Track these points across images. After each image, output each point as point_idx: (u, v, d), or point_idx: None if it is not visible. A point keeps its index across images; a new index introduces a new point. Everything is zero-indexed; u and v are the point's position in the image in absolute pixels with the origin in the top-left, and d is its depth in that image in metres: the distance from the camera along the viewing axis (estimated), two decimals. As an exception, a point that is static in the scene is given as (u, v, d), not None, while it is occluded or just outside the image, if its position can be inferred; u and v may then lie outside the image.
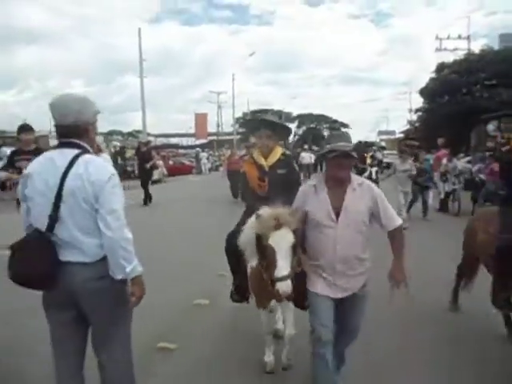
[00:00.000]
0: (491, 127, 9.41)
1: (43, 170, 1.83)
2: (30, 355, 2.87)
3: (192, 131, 50.57)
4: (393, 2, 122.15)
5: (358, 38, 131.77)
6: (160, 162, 17.74)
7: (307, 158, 17.05)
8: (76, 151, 1.83)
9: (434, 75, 24.27)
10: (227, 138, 45.13)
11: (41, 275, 1.78)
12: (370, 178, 8.29)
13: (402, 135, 42.96)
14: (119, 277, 1.79)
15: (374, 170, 8.89)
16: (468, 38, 25.65)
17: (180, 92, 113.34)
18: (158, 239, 6.63)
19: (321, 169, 22.41)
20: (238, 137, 39.59)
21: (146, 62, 24.14)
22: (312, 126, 68.36)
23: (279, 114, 59.27)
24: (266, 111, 60.97)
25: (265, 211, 2.24)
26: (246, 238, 2.45)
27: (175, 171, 23.57)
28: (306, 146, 18.23)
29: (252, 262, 2.54)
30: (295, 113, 66.46)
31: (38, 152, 4.24)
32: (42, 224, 1.79)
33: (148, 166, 11.43)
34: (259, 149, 3.01)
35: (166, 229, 7.67)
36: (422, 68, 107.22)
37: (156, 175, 17.99)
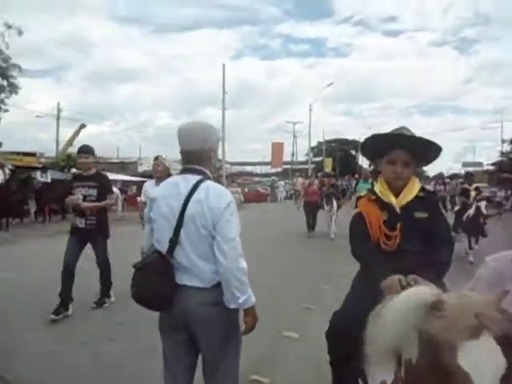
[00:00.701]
0: None
1: (168, 194, 1.89)
2: None
3: (266, 159, 51.87)
4: (478, 28, 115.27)
5: (440, 66, 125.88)
6: (238, 189, 18.34)
7: None
8: (198, 177, 1.86)
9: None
10: (301, 166, 45.42)
11: (159, 297, 1.83)
12: (477, 214, 7.36)
13: (491, 167, 39.58)
14: (232, 306, 1.79)
15: (482, 204, 7.50)
16: None
17: (256, 122, 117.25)
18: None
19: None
20: (313, 166, 39.55)
21: (227, 94, 25.52)
22: (389, 155, 65.95)
23: (354, 143, 58.52)
24: (340, 141, 60.63)
25: (437, 292, 1.16)
26: (388, 333, 1.20)
27: (250, 198, 24.16)
28: None
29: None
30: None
31: (98, 177, 4.38)
32: (162, 246, 1.84)
33: None
34: (386, 179, 2.02)
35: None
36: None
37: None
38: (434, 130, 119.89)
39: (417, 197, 1.98)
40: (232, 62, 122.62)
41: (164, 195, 1.89)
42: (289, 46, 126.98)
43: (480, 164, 53.23)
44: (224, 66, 24.87)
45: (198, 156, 1.90)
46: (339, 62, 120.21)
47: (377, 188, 2.07)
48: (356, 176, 24.43)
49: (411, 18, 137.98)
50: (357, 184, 9.40)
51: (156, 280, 1.82)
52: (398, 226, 1.92)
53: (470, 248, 7.38)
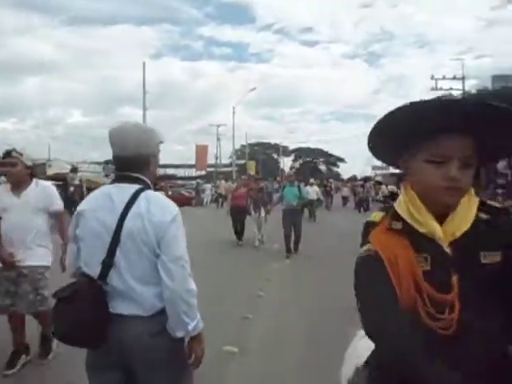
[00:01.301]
0: (501, 165, 9.41)
1: (98, 207, 1.60)
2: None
3: (190, 162, 50.89)
4: (385, 43, 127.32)
5: (353, 76, 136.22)
6: (160, 193, 17.55)
7: (312, 193, 15.23)
8: (136, 186, 1.60)
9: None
10: (225, 169, 45.38)
11: (91, 332, 1.52)
12: None
13: (397, 170, 43.56)
14: (179, 335, 1.55)
15: None
16: (463, 78, 26.56)
17: (179, 124, 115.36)
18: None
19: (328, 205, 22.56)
20: (236, 169, 39.75)
21: (148, 94, 24.44)
22: (308, 159, 69.21)
23: (276, 147, 60.47)
24: (263, 144, 62.07)
25: None
26: None
27: (174, 202, 23.34)
28: (312, 180, 17.47)
29: None
30: (292, 147, 67.36)
31: None
32: (93, 270, 1.56)
33: None
34: (421, 191, 1.03)
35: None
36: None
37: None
38: (347, 135, 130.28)
39: (477, 224, 1.01)
40: (152, 61, 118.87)
41: (93, 208, 1.60)
42: (211, 49, 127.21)
43: (387, 168, 58.71)
44: (144, 64, 23.85)
45: (135, 162, 1.63)
46: (261, 67, 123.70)
47: (401, 207, 1.07)
48: (278, 179, 24.74)
49: (326, 29, 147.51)
50: (283, 188, 8.83)
51: (86, 311, 1.49)
52: (455, 281, 0.97)
53: None
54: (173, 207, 1.63)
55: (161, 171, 49.19)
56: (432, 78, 26.70)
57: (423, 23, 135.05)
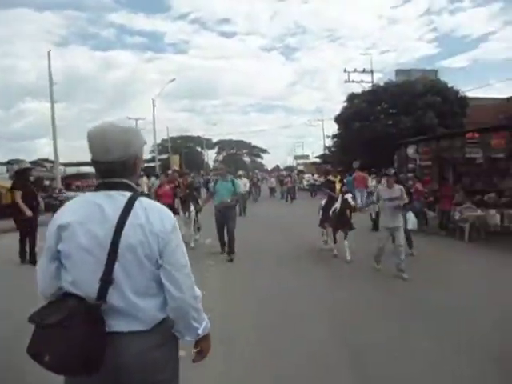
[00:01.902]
0: (411, 151, 10.29)
1: (86, 218, 1.41)
2: None
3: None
4: (300, 37, 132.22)
5: (270, 68, 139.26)
6: (79, 194, 16.14)
7: (243, 186, 14.19)
8: (127, 194, 1.45)
9: (346, 104, 26.36)
10: (147, 165, 43.48)
11: (88, 358, 1.31)
12: (344, 208, 6.94)
13: (317, 159, 45.97)
14: (189, 338, 1.53)
15: (349, 196, 7.10)
16: (371, 72, 28.68)
17: (93, 118, 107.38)
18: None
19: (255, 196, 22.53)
20: (159, 163, 38.31)
21: (54, 86, 22.25)
22: (232, 151, 69.51)
23: (199, 140, 59.57)
24: (185, 137, 60.72)
25: None
26: None
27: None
28: (240, 172, 16.44)
29: None
30: (215, 139, 66.95)
31: None
32: (85, 290, 1.38)
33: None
34: None
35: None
36: (329, 98, 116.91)
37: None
38: (269, 126, 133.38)
39: None
40: (57, 50, 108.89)
41: (80, 221, 1.41)
42: (123, 38, 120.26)
43: (307, 157, 61.55)
44: (49, 52, 21.55)
45: (122, 166, 1.47)
46: (178, 58, 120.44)
47: None
48: (202, 172, 23.98)
49: (243, 21, 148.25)
50: (215, 183, 7.74)
51: (83, 337, 1.30)
52: None
53: (335, 242, 7.30)
54: (170, 215, 1.51)
55: (73, 170, 45.56)
56: (345, 71, 28.52)
57: (333, 19, 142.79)
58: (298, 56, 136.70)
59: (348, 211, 6.95)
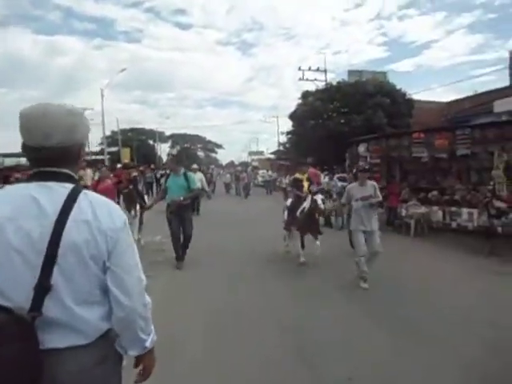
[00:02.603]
0: (362, 149, 10.59)
1: (19, 214, 1.19)
2: None
3: (51, 150, 44.90)
4: (256, 33, 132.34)
5: (227, 63, 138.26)
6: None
7: (197, 181, 14.24)
8: (69, 186, 1.26)
9: (300, 101, 26.76)
10: (95, 157, 41.54)
11: (20, 381, 1.12)
12: (313, 210, 6.19)
13: (272, 156, 46.44)
14: (133, 353, 1.36)
15: (319, 197, 6.33)
16: (325, 71, 29.36)
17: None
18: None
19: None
20: (108, 156, 36.67)
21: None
22: (186, 145, 68.18)
23: (152, 133, 57.78)
24: (136, 130, 58.62)
25: None
26: None
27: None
28: (195, 166, 15.63)
29: None
30: (168, 133, 65.29)
31: None
32: (13, 299, 1.16)
33: None
34: None
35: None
36: (284, 95, 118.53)
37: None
38: (224, 121, 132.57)
39: None
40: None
41: (10, 216, 1.18)
42: (71, 22, 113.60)
43: (262, 153, 61.95)
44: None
45: (63, 153, 1.27)
46: (131, 47, 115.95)
47: None
48: (152, 166, 22.83)
49: (199, 13, 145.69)
50: (167, 178, 6.57)
51: (13, 357, 1.09)
52: None
53: (303, 247, 6.49)
54: (119, 210, 1.35)
55: (13, 161, 42.46)
56: (299, 69, 28.97)
57: (289, 17, 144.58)
58: (254, 52, 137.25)
59: (317, 214, 6.32)
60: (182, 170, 6.40)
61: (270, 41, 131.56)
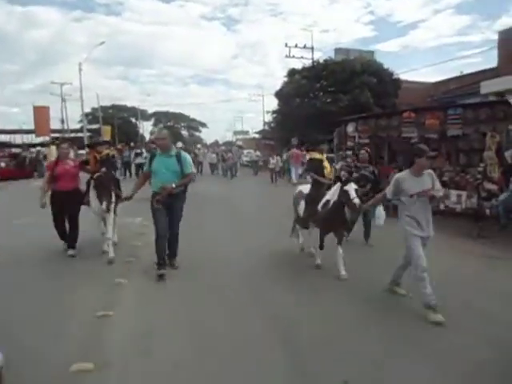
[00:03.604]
0: (350, 128, 10.30)
1: None
2: None
3: (27, 127, 43.22)
4: (242, 8, 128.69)
5: (211, 39, 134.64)
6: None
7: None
8: None
9: (286, 79, 26.15)
10: (74, 135, 40.18)
11: None
12: (341, 204, 4.60)
13: (257, 135, 45.85)
14: None
15: (351, 187, 4.51)
16: (312, 48, 28.58)
17: (11, 82, 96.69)
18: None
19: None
20: (88, 134, 35.48)
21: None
22: (169, 124, 66.71)
23: (134, 111, 56.20)
24: (118, 107, 56.88)
25: None
26: None
27: (9, 175, 19.70)
28: (180, 145, 14.58)
29: None
30: (150, 110, 63.61)
31: None
32: None
33: None
34: None
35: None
36: (270, 73, 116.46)
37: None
38: (208, 99, 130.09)
39: None
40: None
41: None
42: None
43: (247, 132, 61.19)
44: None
45: None
46: (111, 20, 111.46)
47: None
48: (132, 145, 21.58)
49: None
50: (151, 158, 5.00)
51: None
52: None
53: (321, 247, 5.07)
54: None
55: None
56: (286, 45, 28.08)
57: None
58: (239, 28, 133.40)
59: (347, 211, 4.63)
60: (174, 150, 4.96)
61: (256, 16, 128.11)
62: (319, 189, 5.24)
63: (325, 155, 5.66)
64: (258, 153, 25.77)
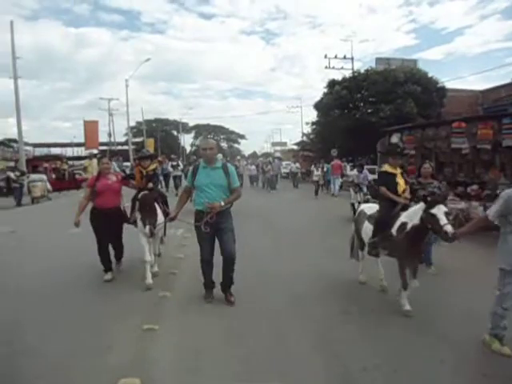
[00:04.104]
0: (395, 139, 9.96)
1: None
2: None
3: (77, 140, 45.82)
4: (280, 22, 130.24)
5: (250, 53, 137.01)
6: (43, 176, 15.09)
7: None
8: None
9: (326, 90, 25.91)
10: (120, 148, 42.04)
11: None
12: (424, 228, 3.79)
13: (295, 147, 45.65)
14: None
15: (441, 210, 3.66)
16: (352, 59, 28.27)
17: (64, 98, 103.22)
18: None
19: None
20: (133, 147, 36.97)
21: (20, 60, 20.71)
22: (209, 136, 68.16)
23: (176, 124, 58.05)
24: (160, 120, 58.97)
25: None
26: None
27: (61, 187, 20.78)
28: (220, 156, 13.27)
29: None
30: (191, 123, 65.39)
31: None
32: None
33: None
34: None
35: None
36: (308, 85, 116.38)
37: (38, 192, 15.38)
38: (247, 112, 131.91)
39: None
40: (26, 24, 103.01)
41: None
42: (98, 15, 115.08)
43: (285, 144, 61.20)
44: (12, 22, 19.95)
45: None
46: (156, 38, 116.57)
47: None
48: (173, 156, 21.07)
49: (223, 3, 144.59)
50: (194, 171, 4.32)
51: None
52: None
53: (405, 288, 3.97)
54: None
55: (44, 151, 43.51)
56: (325, 56, 27.99)
57: (314, 5, 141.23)
58: (278, 41, 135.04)
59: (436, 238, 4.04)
60: (220, 161, 4.37)
61: (295, 30, 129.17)
62: (391, 209, 4.38)
63: (398, 170, 4.69)
64: (297, 165, 25.16)
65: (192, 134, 68.57)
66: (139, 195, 5.00)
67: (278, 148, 59.66)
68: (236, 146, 74.39)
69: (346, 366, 2.97)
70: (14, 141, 38.31)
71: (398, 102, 21.86)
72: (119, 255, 5.53)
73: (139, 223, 4.86)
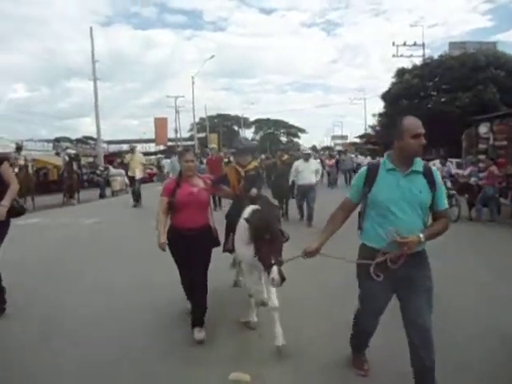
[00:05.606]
0: (484, 129, 9.16)
1: None
2: None
3: (146, 137, 48.46)
4: (342, 11, 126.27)
5: (310, 46, 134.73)
6: (122, 171, 16.14)
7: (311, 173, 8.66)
8: None
9: (394, 80, 24.67)
10: (185, 143, 43.75)
11: None
12: None
13: (357, 140, 44.19)
14: None
15: None
16: (423, 45, 26.53)
17: (133, 97, 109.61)
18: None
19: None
20: (198, 142, 38.30)
21: (97, 64, 22.28)
22: (269, 131, 68.46)
23: (237, 119, 59.15)
24: (222, 116, 60.36)
25: None
26: None
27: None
28: (304, 148, 12.37)
29: None
30: (252, 118, 66.12)
31: None
32: None
33: None
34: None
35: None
36: (371, 76, 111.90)
37: (118, 185, 16.48)
38: (306, 105, 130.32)
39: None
40: (102, 30, 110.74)
41: None
42: (164, 17, 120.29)
43: (346, 137, 59.58)
44: (91, 29, 21.51)
45: None
46: (217, 36, 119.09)
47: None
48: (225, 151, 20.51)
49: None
50: (369, 175, 2.41)
51: None
52: None
53: None
54: None
55: (116, 148, 46.64)
56: (393, 44, 26.53)
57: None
58: (339, 32, 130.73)
59: None
60: (421, 161, 2.46)
61: (357, 19, 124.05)
62: None
63: None
64: (369, 158, 22.83)
65: (252, 129, 69.37)
66: (249, 213, 3.16)
67: (339, 141, 58.20)
68: (296, 139, 73.92)
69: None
70: (90, 138, 41.67)
71: (477, 89, 20.15)
72: (200, 313, 3.30)
73: (245, 250, 3.13)
